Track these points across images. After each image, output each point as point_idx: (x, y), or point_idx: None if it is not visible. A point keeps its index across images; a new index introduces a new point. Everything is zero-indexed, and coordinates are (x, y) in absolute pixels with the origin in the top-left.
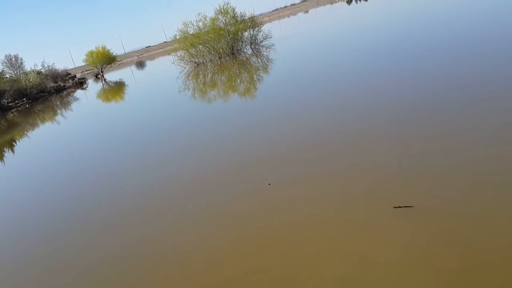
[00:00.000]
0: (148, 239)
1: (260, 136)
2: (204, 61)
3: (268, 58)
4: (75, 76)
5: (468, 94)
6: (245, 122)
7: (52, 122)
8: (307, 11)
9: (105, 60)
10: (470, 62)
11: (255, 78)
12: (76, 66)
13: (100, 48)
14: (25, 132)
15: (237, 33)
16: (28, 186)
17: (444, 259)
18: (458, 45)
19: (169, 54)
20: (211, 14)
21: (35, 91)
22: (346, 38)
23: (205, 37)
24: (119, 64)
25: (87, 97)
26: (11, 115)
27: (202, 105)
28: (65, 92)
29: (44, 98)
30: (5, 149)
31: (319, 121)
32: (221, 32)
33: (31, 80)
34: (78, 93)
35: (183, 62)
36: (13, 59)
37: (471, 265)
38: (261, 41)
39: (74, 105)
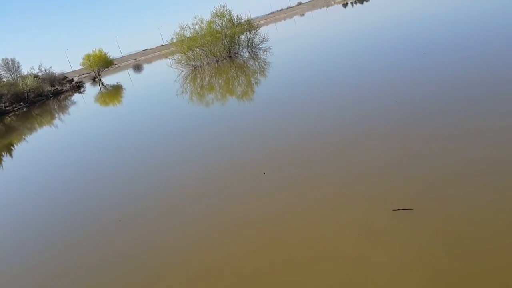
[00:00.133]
0: (147, 243)
1: (258, 138)
2: (201, 64)
3: (265, 61)
4: (72, 79)
5: (465, 97)
6: (242, 125)
7: (50, 126)
8: (303, 14)
9: (102, 64)
10: (465, 64)
11: (252, 81)
12: (73, 69)
13: (97, 52)
14: (23, 136)
15: (234, 36)
16: (27, 190)
17: (443, 261)
18: (454, 47)
19: (166, 57)
20: (207, 17)
21: (33, 95)
22: (342, 41)
23: (202, 40)
24: (116, 68)
25: (85, 100)
26: (9, 119)
27: (199, 108)
28: (62, 96)
29: (41, 102)
30: (3, 154)
31: (317, 124)
32: (217, 35)
33: (28, 84)
34: (76, 96)
35: (180, 65)
36: (10, 62)
37: (471, 268)
38: (258, 44)
39: (71, 109)
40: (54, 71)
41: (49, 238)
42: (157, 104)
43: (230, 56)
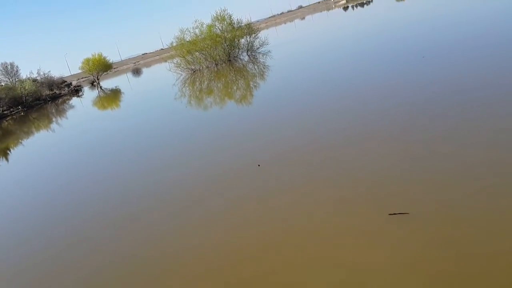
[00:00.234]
0: (146, 246)
1: (256, 142)
2: (201, 68)
3: (264, 65)
4: (70, 83)
5: (463, 101)
6: (240, 128)
7: (47, 130)
8: (303, 18)
9: (101, 68)
10: (466, 68)
11: (251, 85)
12: (72, 73)
13: (96, 56)
14: (20, 140)
15: (234, 40)
16: (23, 193)
17: (439, 265)
18: (453, 50)
19: (165, 61)
20: (208, 21)
21: (31, 99)
22: (342, 44)
23: (201, 44)
24: (115, 72)
25: (83, 104)
26: (6, 123)
27: (198, 112)
28: (60, 100)
29: (39, 106)
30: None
31: (315, 128)
32: (217, 39)
33: (26, 88)
34: (74, 100)
35: (179, 69)
36: (9, 67)
37: (466, 271)
38: (258, 48)
39: (69, 113)
40: (53, 75)
41: (46, 240)
42: (155, 108)
43: (230, 60)
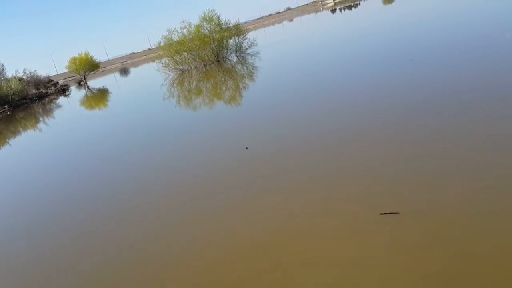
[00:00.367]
0: (136, 250)
1: (247, 142)
2: (189, 68)
3: (253, 66)
4: (57, 83)
5: (456, 102)
6: (230, 128)
7: (34, 130)
8: (291, 20)
9: (88, 67)
10: (454, 70)
11: (240, 86)
12: (58, 73)
13: (83, 55)
14: (7, 140)
15: (222, 40)
16: (10, 191)
17: (430, 264)
18: (441, 53)
19: (153, 61)
20: (195, 21)
21: (17, 98)
22: (330, 47)
23: (189, 44)
24: (102, 71)
25: (70, 104)
26: None
27: (186, 112)
28: (47, 99)
29: (26, 105)
30: None
31: (306, 128)
32: (206, 39)
33: (12, 87)
34: (61, 100)
35: (167, 69)
36: None
37: (457, 270)
38: (246, 49)
39: (56, 112)
40: (39, 74)
41: (35, 239)
42: (144, 107)
43: (218, 61)
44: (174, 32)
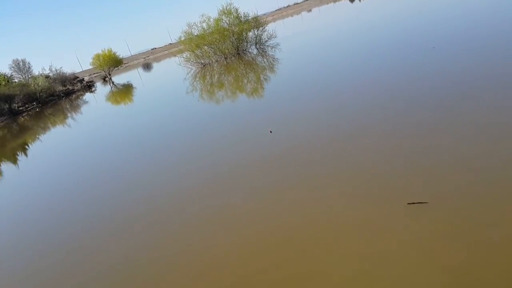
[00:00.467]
0: (163, 239)
1: (269, 135)
2: (210, 62)
3: (273, 58)
4: (83, 79)
5: (481, 89)
6: (253, 121)
7: (63, 125)
8: (310, 10)
9: (111, 63)
10: (481, 57)
11: (261, 78)
12: (83, 69)
13: (106, 51)
14: (37, 136)
15: (242, 33)
16: (40, 189)
17: (459, 254)
18: (465, 41)
19: (174, 55)
20: (214, 15)
21: (45, 95)
22: (350, 36)
23: (209, 38)
24: (126, 67)
25: (96, 100)
26: (22, 119)
27: (210, 105)
28: (74, 96)
29: (53, 102)
30: (18, 153)
31: (328, 118)
32: (225, 32)
33: (40, 84)
34: (87, 96)
35: (189, 63)
36: (21, 63)
37: (487, 260)
38: (266, 41)
39: (83, 108)
40: (65, 71)
41: (60, 237)
42: (168, 101)
43: (239, 53)
44: (194, 26)
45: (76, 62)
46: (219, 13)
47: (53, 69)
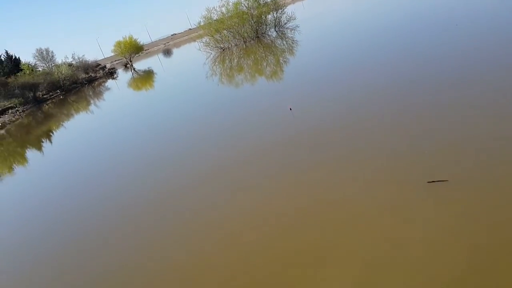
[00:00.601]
0: (180, 222)
1: (290, 118)
2: (230, 46)
3: (293, 40)
4: (105, 66)
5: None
6: (273, 103)
7: (86, 112)
8: None
9: (132, 50)
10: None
11: (281, 61)
12: (105, 57)
13: (127, 38)
14: (61, 123)
15: (261, 16)
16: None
17: (482, 232)
18: (488, 19)
19: (194, 40)
20: None
21: (68, 82)
22: (372, 15)
23: (229, 22)
24: (146, 53)
25: (118, 86)
26: (47, 106)
27: (230, 89)
28: (96, 83)
29: (77, 89)
30: (43, 140)
31: (347, 100)
32: (244, 16)
33: (63, 72)
34: (109, 83)
35: (208, 48)
36: (44, 52)
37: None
38: (285, 23)
39: (106, 95)
40: (87, 59)
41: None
42: (188, 86)
43: (258, 37)
44: (213, 11)
45: (98, 50)
46: None
47: (76, 57)
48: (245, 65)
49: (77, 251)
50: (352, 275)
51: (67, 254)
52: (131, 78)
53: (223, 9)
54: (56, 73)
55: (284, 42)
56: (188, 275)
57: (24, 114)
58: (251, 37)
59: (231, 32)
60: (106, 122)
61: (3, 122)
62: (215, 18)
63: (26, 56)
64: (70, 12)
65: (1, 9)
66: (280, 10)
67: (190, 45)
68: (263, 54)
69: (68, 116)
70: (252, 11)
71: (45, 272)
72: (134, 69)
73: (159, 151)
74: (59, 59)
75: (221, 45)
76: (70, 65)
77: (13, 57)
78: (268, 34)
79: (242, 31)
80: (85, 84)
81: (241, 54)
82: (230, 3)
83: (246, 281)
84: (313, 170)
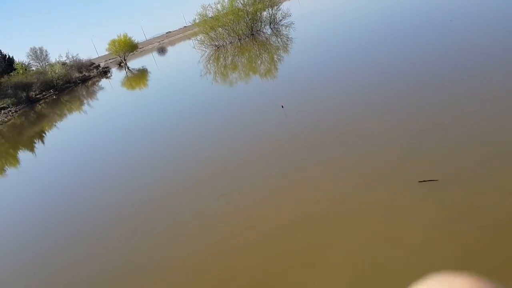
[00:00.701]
0: (181, 223)
1: (283, 115)
2: (224, 43)
3: (288, 37)
4: (99, 65)
5: (497, 64)
6: (267, 102)
7: (80, 112)
8: None
9: (127, 48)
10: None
11: (275, 58)
12: (99, 55)
13: (122, 37)
14: (54, 123)
15: (256, 13)
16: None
17: (473, 231)
18: (483, 15)
19: (189, 38)
20: None
21: (61, 82)
22: (369, 11)
23: (224, 19)
24: (141, 51)
25: (112, 86)
26: (40, 106)
27: (223, 88)
28: (90, 82)
29: (70, 88)
30: (35, 141)
31: (338, 99)
32: (240, 13)
33: (56, 71)
34: (103, 82)
35: (203, 46)
36: (38, 51)
37: (502, 238)
38: (280, 20)
39: (99, 94)
40: (81, 58)
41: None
42: (182, 85)
43: (253, 34)
44: (208, 8)
45: (92, 49)
46: None
47: (70, 56)
48: (239, 63)
49: (72, 252)
50: (344, 275)
51: (62, 254)
52: (125, 77)
53: (219, 6)
54: (49, 72)
55: (279, 40)
56: (186, 276)
57: (17, 115)
58: (246, 34)
59: (226, 29)
60: (99, 122)
61: None
62: (210, 15)
63: (20, 55)
64: (65, 11)
65: None
66: (275, 7)
67: (185, 43)
68: (258, 52)
69: (61, 116)
70: (247, 8)
71: (39, 273)
72: (128, 68)
73: (154, 151)
74: (53, 58)
75: (216, 43)
76: (64, 64)
77: (7, 56)
78: (263, 32)
79: (237, 28)
80: (79, 83)
81: (235, 52)
82: (226, 0)
83: (246, 281)
84: (308, 169)
